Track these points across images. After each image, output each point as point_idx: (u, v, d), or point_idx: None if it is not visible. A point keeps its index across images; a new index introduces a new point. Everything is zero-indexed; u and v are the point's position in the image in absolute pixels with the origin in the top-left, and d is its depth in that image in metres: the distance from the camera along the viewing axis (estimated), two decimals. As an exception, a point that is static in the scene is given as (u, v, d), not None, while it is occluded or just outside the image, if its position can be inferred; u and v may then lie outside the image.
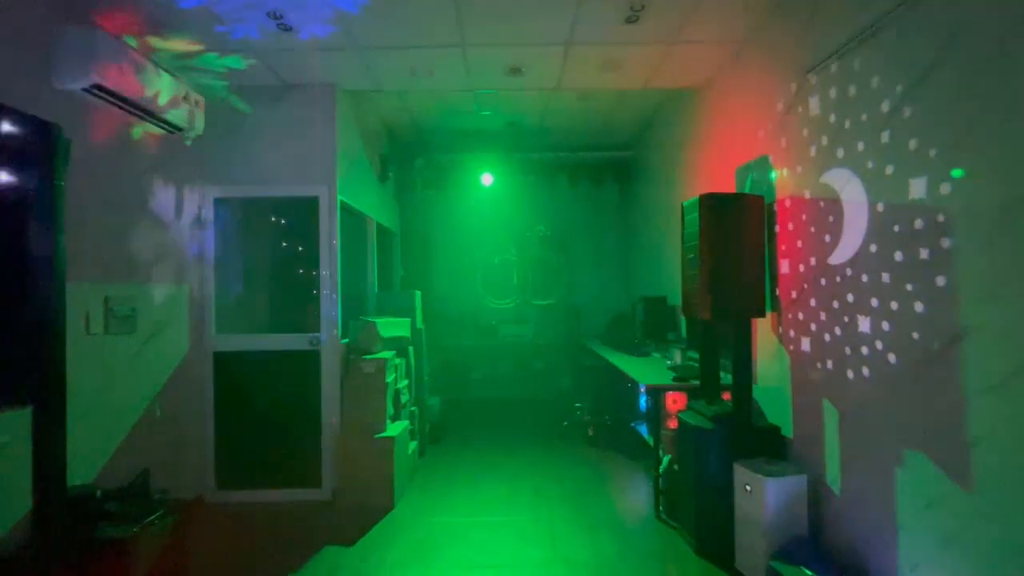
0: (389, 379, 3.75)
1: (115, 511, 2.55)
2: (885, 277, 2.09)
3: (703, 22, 3.06)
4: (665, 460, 3.36)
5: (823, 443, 2.52)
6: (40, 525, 2.13)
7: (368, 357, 3.71)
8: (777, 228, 2.91)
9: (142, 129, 3.20)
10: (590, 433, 4.89)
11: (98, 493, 2.52)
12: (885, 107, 2.07)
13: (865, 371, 2.22)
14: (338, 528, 3.24)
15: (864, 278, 2.21)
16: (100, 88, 2.74)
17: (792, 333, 2.78)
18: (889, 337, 2.08)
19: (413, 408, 4.43)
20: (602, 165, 6.08)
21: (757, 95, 3.14)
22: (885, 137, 2.08)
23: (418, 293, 4.85)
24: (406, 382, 4.25)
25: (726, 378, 3.13)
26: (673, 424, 3.43)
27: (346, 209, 4.11)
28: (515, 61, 3.60)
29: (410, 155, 5.65)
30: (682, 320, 4.28)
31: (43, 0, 2.56)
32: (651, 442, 3.67)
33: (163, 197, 3.40)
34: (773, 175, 2.96)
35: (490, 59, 3.55)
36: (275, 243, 4.59)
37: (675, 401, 3.83)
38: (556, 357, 6.31)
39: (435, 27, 3.09)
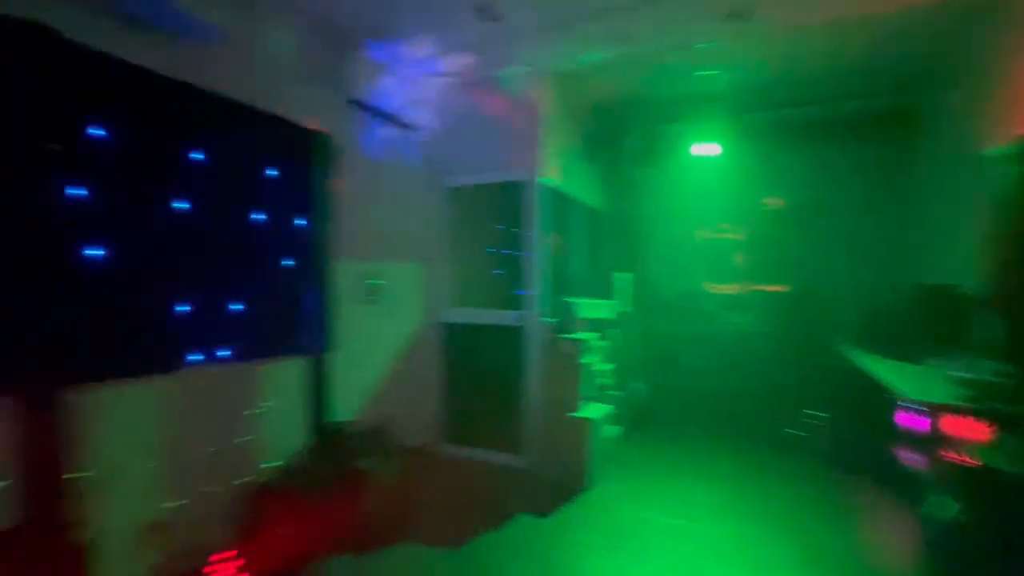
0: (587, 360, 3.71)
1: (363, 447, 3.16)
2: None
3: None
4: (944, 504, 2.50)
5: None
6: (311, 453, 2.78)
7: (567, 337, 3.74)
8: None
9: (390, 130, 3.81)
10: (822, 447, 4.01)
11: (352, 430, 3.16)
12: None
13: None
14: (534, 498, 3.39)
15: None
16: (358, 102, 3.35)
17: None
18: None
19: (617, 392, 4.32)
20: (858, 117, 4.80)
21: None
22: None
23: (628, 275, 4.68)
24: (610, 366, 4.16)
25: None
26: (959, 458, 2.52)
27: (554, 191, 4.19)
28: (736, 3, 3.05)
29: (616, 131, 5.43)
30: (982, 317, 3.09)
31: (320, 35, 3.23)
32: (916, 474, 2.79)
33: (405, 188, 4.00)
34: None
35: (705, 4, 3.10)
36: (494, 226, 4.99)
37: (965, 427, 2.81)
38: (783, 351, 5.36)
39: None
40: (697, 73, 4.29)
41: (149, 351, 2.30)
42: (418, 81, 4.03)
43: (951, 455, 2.68)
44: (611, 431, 4.04)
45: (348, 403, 3.48)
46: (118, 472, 2.15)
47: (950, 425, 2.83)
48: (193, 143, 2.43)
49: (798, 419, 4.53)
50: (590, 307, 4.01)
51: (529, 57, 3.74)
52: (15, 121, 1.86)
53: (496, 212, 5.01)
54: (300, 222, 2.96)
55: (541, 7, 3.06)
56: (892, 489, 3.48)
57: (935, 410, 2.63)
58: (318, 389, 3.02)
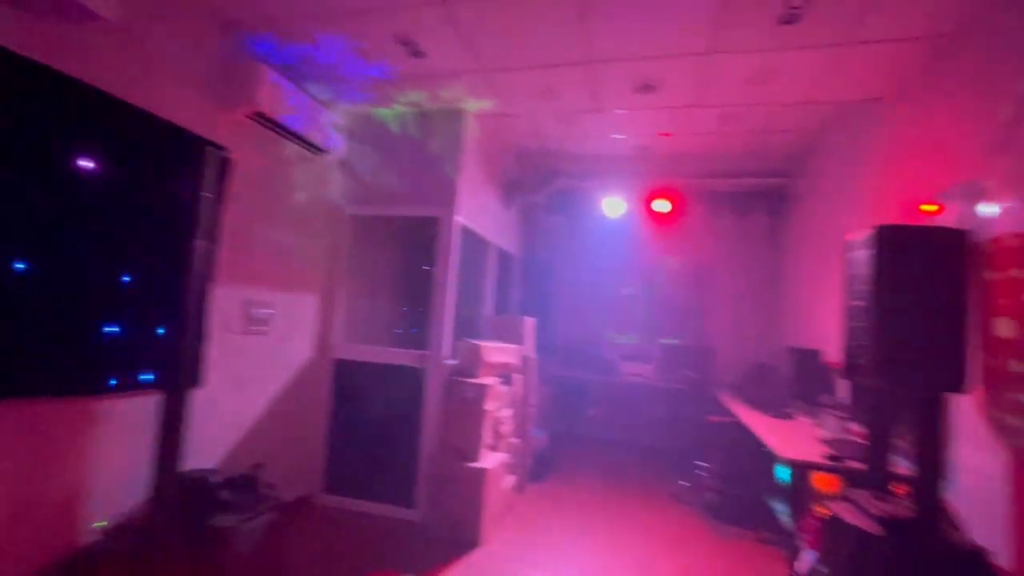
0: (490, 407, 3.60)
1: (227, 500, 2.73)
2: None
3: (891, 14, 2.47)
4: (807, 556, 2.66)
5: (1068, 591, 1.72)
6: (158, 508, 2.33)
7: (471, 381, 3.61)
8: (993, 275, 2.16)
9: (292, 151, 3.56)
10: (711, 501, 4.18)
11: (213, 480, 2.72)
12: None
13: None
14: (422, 556, 3.13)
15: None
16: (260, 115, 3.09)
17: (1018, 421, 2.00)
18: None
19: (515, 440, 4.22)
20: (749, 194, 5.38)
21: (969, 103, 2.42)
22: None
23: (533, 320, 4.69)
24: (510, 412, 4.06)
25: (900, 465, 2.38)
26: (822, 512, 2.71)
27: (467, 232, 4.13)
28: (647, 77, 3.31)
29: (536, 180, 5.59)
30: (839, 382, 3.47)
31: (221, 44, 2.98)
32: (788, 526, 2.96)
33: (305, 212, 3.73)
34: (988, 205, 2.22)
35: (619, 75, 3.32)
36: (399, 261, 4.81)
37: (827, 482, 3.06)
38: (680, 404, 5.63)
39: (560, 42, 2.96)
40: (611, 135, 4.56)
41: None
42: (333, 103, 3.86)
43: (816, 509, 2.88)
44: (507, 480, 3.90)
45: (211, 448, 3.03)
46: None
47: (816, 479, 3.06)
48: (68, 140, 2.05)
49: (692, 472, 4.71)
50: (497, 350, 3.93)
51: (453, 98, 3.75)
52: None
53: (403, 246, 4.84)
54: (167, 241, 2.57)
55: (466, 48, 3.08)
56: (768, 538, 3.68)
57: (805, 467, 2.83)
58: (166, 433, 2.55)
